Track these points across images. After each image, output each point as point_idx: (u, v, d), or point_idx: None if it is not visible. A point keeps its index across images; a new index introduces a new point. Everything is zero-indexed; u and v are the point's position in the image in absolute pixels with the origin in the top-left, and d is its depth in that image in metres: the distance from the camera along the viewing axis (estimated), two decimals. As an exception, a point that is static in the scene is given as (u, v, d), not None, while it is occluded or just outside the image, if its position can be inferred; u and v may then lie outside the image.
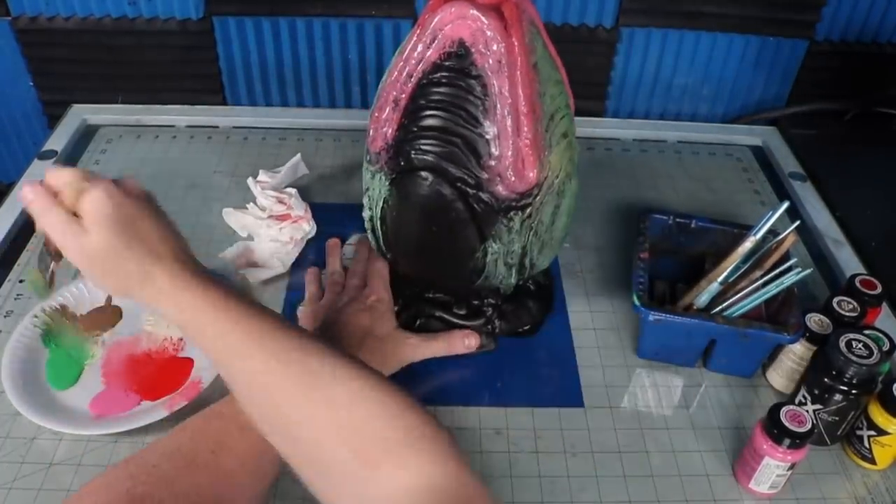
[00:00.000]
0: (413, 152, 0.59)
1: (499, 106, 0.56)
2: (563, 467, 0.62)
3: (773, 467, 0.58)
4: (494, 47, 0.54)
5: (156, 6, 0.98)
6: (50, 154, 0.93)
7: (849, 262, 0.83)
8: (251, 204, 0.79)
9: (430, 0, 0.56)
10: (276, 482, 0.59)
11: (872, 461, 0.63)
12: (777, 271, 0.67)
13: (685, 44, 1.02)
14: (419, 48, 0.56)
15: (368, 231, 0.67)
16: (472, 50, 0.55)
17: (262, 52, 1.02)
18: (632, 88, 1.07)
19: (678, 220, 0.76)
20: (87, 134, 0.99)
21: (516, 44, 0.54)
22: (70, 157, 0.94)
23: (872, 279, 0.70)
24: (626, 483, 0.61)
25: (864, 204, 0.92)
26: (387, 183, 0.61)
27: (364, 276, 0.73)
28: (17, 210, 0.84)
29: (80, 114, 1.01)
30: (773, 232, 0.69)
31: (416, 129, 0.58)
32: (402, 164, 0.60)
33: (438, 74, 0.56)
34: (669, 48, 1.02)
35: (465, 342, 0.68)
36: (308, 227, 0.78)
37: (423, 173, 0.59)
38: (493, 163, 0.57)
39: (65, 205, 0.51)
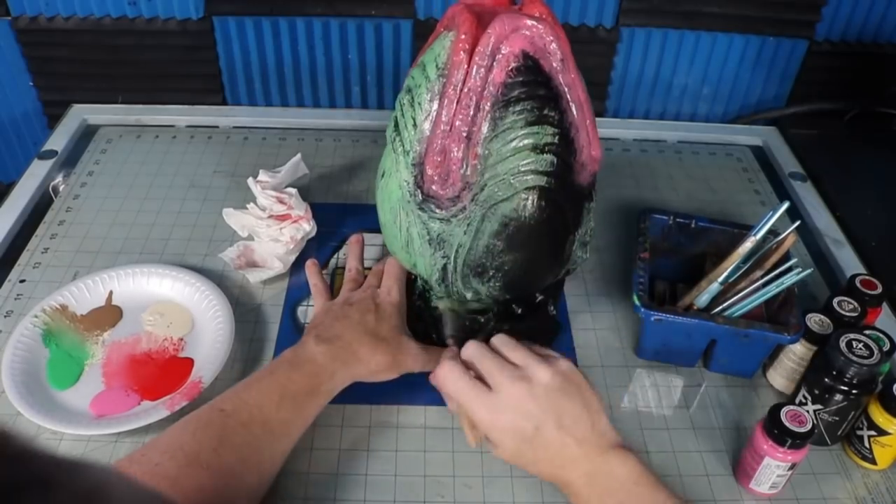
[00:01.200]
0: (510, 177, 0.57)
1: (570, 101, 0.56)
2: (564, 467, 0.62)
3: (773, 467, 0.58)
4: (553, 47, 0.54)
5: (156, 6, 0.98)
6: (50, 154, 0.93)
7: (849, 262, 0.83)
8: (251, 204, 0.79)
9: (463, 25, 0.54)
10: (279, 482, 0.59)
11: (873, 461, 0.63)
12: (777, 271, 0.67)
13: (685, 44, 1.02)
14: (477, 73, 0.54)
15: (437, 282, 0.64)
16: (538, 57, 0.54)
17: (262, 52, 1.02)
18: (632, 88, 1.07)
19: (678, 220, 0.76)
20: (87, 134, 0.99)
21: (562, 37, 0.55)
22: (70, 158, 0.94)
23: (872, 279, 0.70)
24: (627, 483, 0.61)
25: (864, 204, 0.92)
26: (476, 220, 0.59)
27: (381, 276, 0.72)
28: (18, 210, 0.84)
29: (80, 114, 1.01)
30: (773, 232, 0.69)
31: (506, 152, 0.56)
32: (499, 193, 0.57)
33: (516, 93, 0.55)
34: (669, 48, 1.02)
35: None
36: (308, 227, 0.78)
37: (524, 194, 0.57)
38: (576, 155, 0.58)
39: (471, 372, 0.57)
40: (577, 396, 0.55)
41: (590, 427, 0.55)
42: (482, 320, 0.68)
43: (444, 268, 0.62)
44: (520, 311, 0.68)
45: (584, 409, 0.55)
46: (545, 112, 0.56)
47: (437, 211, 0.59)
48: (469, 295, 0.64)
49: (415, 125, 0.58)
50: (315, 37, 1.00)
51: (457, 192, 0.58)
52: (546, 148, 0.56)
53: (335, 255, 0.80)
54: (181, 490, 0.49)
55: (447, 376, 0.57)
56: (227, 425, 0.53)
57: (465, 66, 0.54)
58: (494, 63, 0.54)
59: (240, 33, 1.00)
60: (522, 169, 0.56)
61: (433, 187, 0.58)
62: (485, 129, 0.55)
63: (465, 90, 0.54)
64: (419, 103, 0.57)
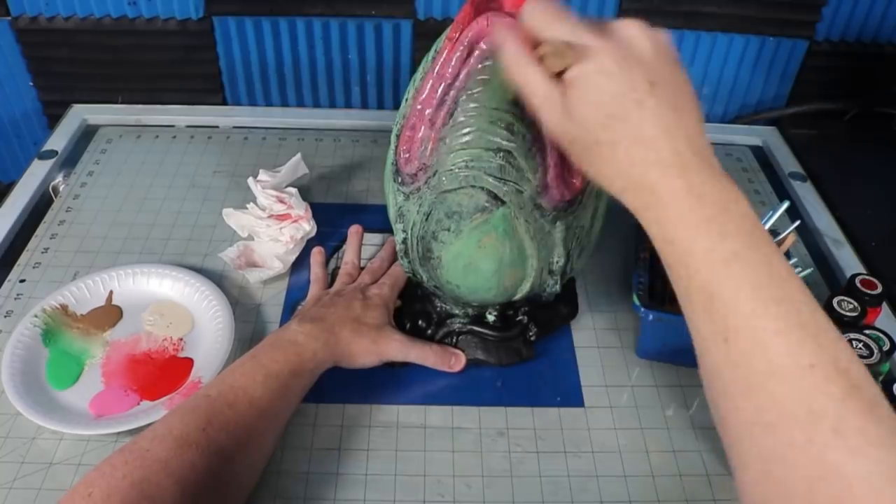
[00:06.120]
0: (458, 170, 0.57)
1: None
2: (564, 467, 0.62)
3: (773, 467, 0.58)
4: None
5: (156, 6, 0.98)
6: (50, 154, 0.93)
7: (849, 262, 0.83)
8: (251, 204, 0.79)
9: (460, 14, 0.55)
10: (278, 482, 0.59)
11: (872, 461, 0.63)
12: (777, 271, 0.67)
13: (685, 44, 1.02)
14: (454, 63, 0.54)
15: (401, 255, 0.66)
16: None
17: (262, 52, 1.02)
18: (632, 88, 1.07)
19: (678, 220, 0.76)
20: (87, 134, 0.99)
21: None
22: (70, 158, 0.94)
23: (872, 279, 0.70)
24: (626, 483, 0.61)
25: (864, 204, 0.92)
26: (427, 204, 0.59)
27: (377, 275, 0.73)
28: (18, 210, 0.84)
29: (80, 114, 1.01)
30: (773, 232, 0.69)
31: (457, 146, 0.56)
32: (445, 182, 0.58)
33: (478, 89, 0.54)
34: (669, 48, 1.02)
35: (450, 361, 0.68)
36: (308, 227, 0.78)
37: (470, 191, 0.57)
38: (539, 174, 0.57)
39: (544, 63, 0.43)
40: (679, 72, 0.42)
41: (698, 129, 0.42)
42: (456, 312, 0.69)
43: (405, 241, 0.64)
44: (491, 319, 0.69)
45: (691, 97, 0.42)
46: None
47: (402, 186, 0.61)
48: (425, 278, 0.65)
49: (407, 99, 0.60)
50: (315, 37, 1.00)
51: (414, 170, 0.59)
52: (499, 152, 0.56)
53: (335, 255, 0.80)
54: (173, 471, 0.49)
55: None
56: (214, 407, 0.54)
57: (446, 53, 0.55)
58: (471, 56, 0.54)
59: (240, 33, 1.00)
60: (471, 165, 0.56)
61: (400, 161, 0.60)
62: (447, 116, 0.56)
63: (439, 75, 0.55)
64: (415, 80, 0.59)
